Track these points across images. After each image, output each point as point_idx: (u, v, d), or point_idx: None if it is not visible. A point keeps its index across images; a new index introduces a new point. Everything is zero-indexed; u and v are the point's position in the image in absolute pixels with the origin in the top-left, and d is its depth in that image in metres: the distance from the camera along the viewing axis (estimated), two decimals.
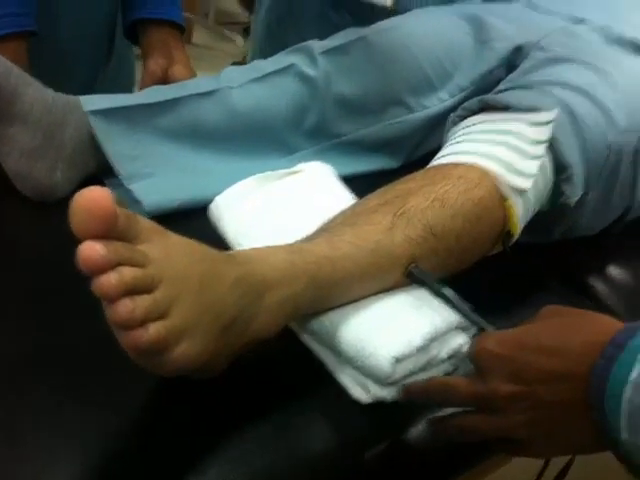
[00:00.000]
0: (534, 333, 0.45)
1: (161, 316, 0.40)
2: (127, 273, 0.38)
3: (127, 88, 1.06)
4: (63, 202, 0.66)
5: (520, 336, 0.45)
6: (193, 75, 0.89)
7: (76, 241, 0.38)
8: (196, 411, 0.50)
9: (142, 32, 0.90)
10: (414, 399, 0.51)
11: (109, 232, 0.38)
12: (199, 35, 3.24)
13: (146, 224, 0.42)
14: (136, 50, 0.99)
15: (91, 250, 0.37)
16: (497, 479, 0.64)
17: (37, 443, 0.45)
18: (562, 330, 0.44)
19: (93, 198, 0.37)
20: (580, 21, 0.94)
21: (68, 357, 0.52)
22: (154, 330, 0.39)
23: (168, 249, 0.43)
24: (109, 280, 0.38)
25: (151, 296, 0.40)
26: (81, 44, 0.94)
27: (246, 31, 3.57)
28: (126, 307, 0.38)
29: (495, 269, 0.68)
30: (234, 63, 2.98)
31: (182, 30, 0.92)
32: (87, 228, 0.37)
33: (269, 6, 1.16)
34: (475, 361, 0.47)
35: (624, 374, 0.38)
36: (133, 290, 0.39)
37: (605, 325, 0.42)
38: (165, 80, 0.88)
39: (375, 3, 1.03)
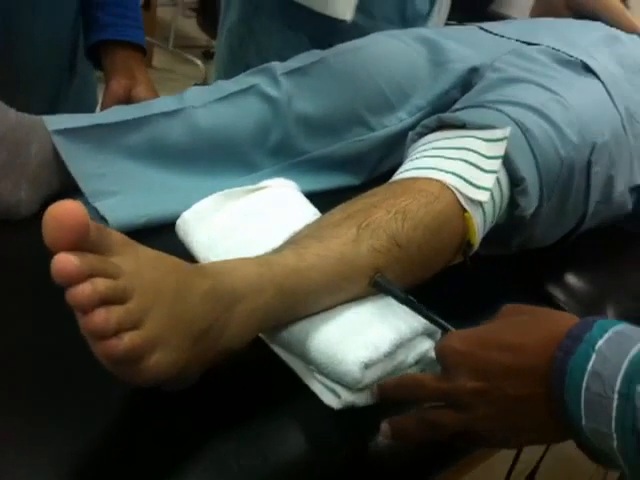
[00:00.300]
0: (495, 331, 0.47)
1: (134, 326, 0.41)
2: (101, 284, 0.39)
3: (90, 109, 1.06)
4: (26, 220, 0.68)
5: (482, 334, 0.47)
6: (156, 96, 0.90)
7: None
8: (171, 421, 0.50)
9: (105, 53, 0.91)
10: (386, 396, 0.53)
11: (82, 244, 0.39)
12: (159, 58, 3.25)
13: (117, 237, 0.43)
14: (98, 73, 0.99)
15: (65, 261, 0.38)
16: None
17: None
18: (521, 327, 0.46)
19: (66, 210, 0.38)
20: (530, 44, 0.99)
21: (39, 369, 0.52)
22: (128, 339, 0.40)
23: (139, 261, 0.43)
24: (83, 290, 0.38)
25: (124, 306, 0.40)
26: (41, 66, 0.94)
27: (205, 54, 3.60)
28: (100, 317, 0.39)
29: (458, 280, 0.70)
30: (195, 85, 3.00)
31: (144, 52, 0.93)
32: (60, 240, 0.38)
33: (230, 27, 1.18)
34: (440, 359, 0.49)
35: (582, 364, 0.40)
36: (107, 300, 0.39)
37: (561, 321, 0.44)
38: (128, 101, 0.89)
39: (335, 17, 1.06)
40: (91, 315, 0.39)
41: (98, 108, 1.01)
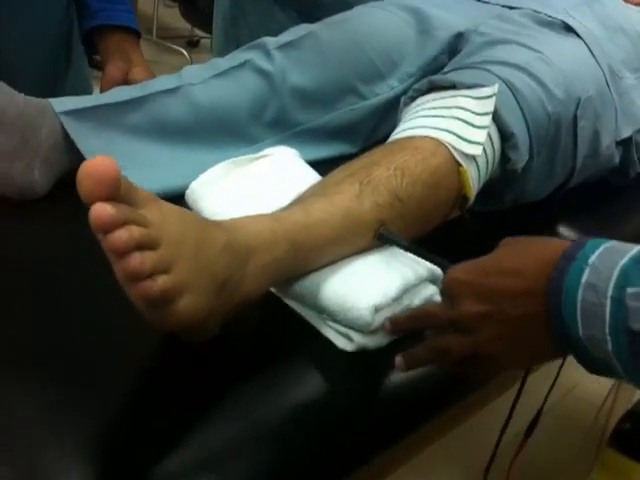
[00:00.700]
0: (494, 259, 0.51)
1: (165, 271, 0.44)
2: (135, 230, 0.42)
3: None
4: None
5: (483, 263, 0.51)
6: (152, 76, 0.93)
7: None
8: (197, 369, 0.53)
9: (99, 39, 0.93)
10: (398, 329, 0.56)
11: (115, 196, 0.42)
12: (144, 50, 3.19)
13: (142, 192, 0.46)
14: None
15: (102, 210, 0.41)
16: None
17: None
18: (519, 253, 0.50)
19: (100, 165, 0.41)
20: (513, 8, 1.02)
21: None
22: (162, 281, 0.44)
23: (164, 214, 0.47)
24: (120, 236, 0.42)
25: (156, 252, 0.44)
26: (34, 58, 0.96)
27: (189, 43, 3.61)
28: (136, 260, 0.42)
29: (457, 234, 0.74)
30: None
31: (138, 35, 0.96)
32: (95, 192, 0.41)
33: (223, 11, 1.21)
34: (447, 290, 0.52)
35: (577, 279, 0.43)
36: (141, 245, 0.43)
37: (556, 245, 0.48)
38: (125, 83, 0.91)
39: None
40: (128, 259, 0.42)
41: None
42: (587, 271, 0.43)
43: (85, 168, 0.41)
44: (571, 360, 0.49)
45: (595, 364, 0.45)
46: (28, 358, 0.53)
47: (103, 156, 0.42)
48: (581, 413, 1.59)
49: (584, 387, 1.73)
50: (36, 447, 0.45)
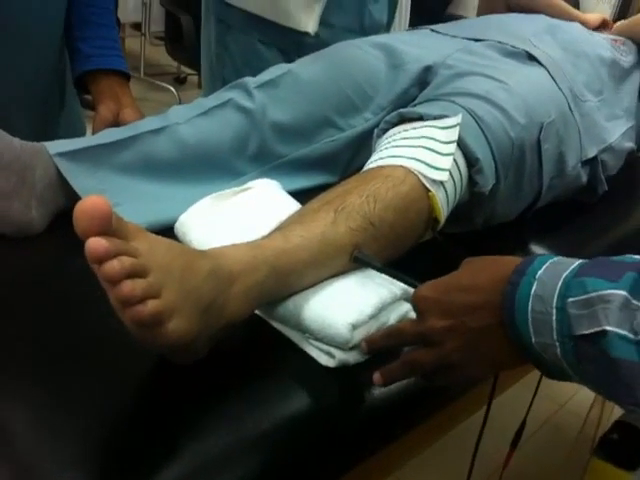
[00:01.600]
0: (456, 277, 0.56)
1: (154, 296, 0.49)
2: (126, 260, 0.47)
3: (79, 135, 1.14)
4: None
5: (446, 281, 0.56)
6: (142, 116, 0.98)
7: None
8: (188, 387, 0.58)
9: (92, 81, 0.99)
10: (374, 347, 0.61)
11: (107, 230, 0.47)
12: (132, 88, 3.29)
13: (132, 226, 0.51)
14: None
15: (96, 243, 0.46)
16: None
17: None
18: (477, 270, 0.55)
19: (93, 203, 0.46)
20: (478, 40, 1.08)
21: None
22: (151, 305, 0.48)
23: (152, 245, 0.51)
24: (113, 266, 0.46)
25: (145, 280, 0.49)
26: (29, 97, 1.01)
27: (177, 80, 3.69)
28: (127, 287, 0.47)
29: (430, 256, 0.79)
30: None
31: (128, 77, 1.01)
32: (90, 227, 0.46)
33: (208, 47, 1.28)
34: (415, 306, 0.57)
35: (527, 292, 0.49)
36: (132, 274, 0.48)
37: (509, 261, 0.53)
38: (116, 123, 0.96)
39: (298, 30, 1.15)
40: (120, 286, 0.47)
41: (87, 134, 1.09)
42: (535, 284, 0.48)
43: (80, 206, 0.46)
44: None
45: (549, 369, 0.50)
46: (29, 364, 0.57)
47: (96, 195, 0.47)
48: (569, 425, 1.63)
49: (576, 402, 1.77)
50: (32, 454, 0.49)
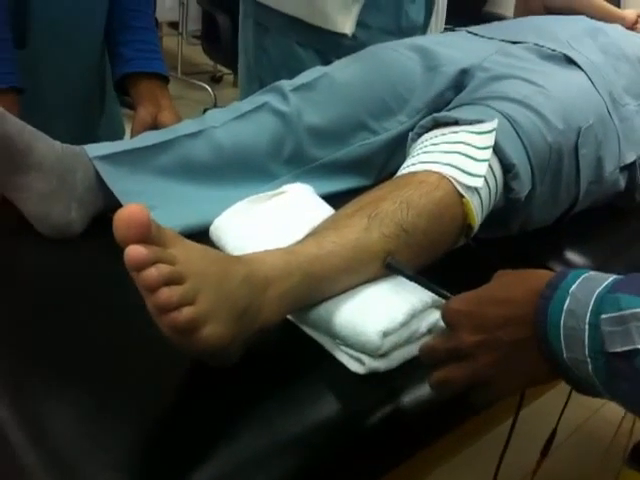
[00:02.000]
0: (488, 290, 0.55)
1: (190, 303, 0.50)
2: (163, 268, 0.48)
3: (118, 139, 1.16)
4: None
5: (478, 294, 0.55)
6: (179, 120, 1.00)
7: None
8: (222, 390, 0.59)
9: (132, 84, 1.01)
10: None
11: (146, 238, 0.48)
12: (169, 87, 3.36)
13: (170, 233, 0.52)
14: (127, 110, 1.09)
15: (135, 251, 0.47)
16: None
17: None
18: (510, 284, 0.54)
19: (133, 212, 0.47)
20: (515, 43, 1.07)
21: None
22: (187, 312, 0.49)
23: (189, 252, 0.52)
24: (151, 273, 0.47)
25: (182, 286, 0.50)
26: (69, 98, 1.04)
27: (213, 79, 3.72)
28: (164, 294, 0.48)
29: (465, 262, 0.78)
30: (206, 110, 3.12)
31: (167, 80, 1.03)
32: (129, 235, 0.47)
33: (245, 48, 1.29)
34: (445, 320, 0.57)
35: (559, 307, 0.48)
36: (169, 281, 0.49)
37: (542, 275, 0.52)
38: (155, 126, 0.98)
39: (336, 31, 1.16)
40: (157, 293, 0.48)
41: (126, 136, 1.11)
42: (568, 299, 0.48)
43: (120, 215, 0.48)
44: None
45: (581, 384, 0.50)
46: (65, 372, 0.58)
47: (136, 204, 0.48)
48: (601, 433, 1.60)
49: (608, 408, 1.74)
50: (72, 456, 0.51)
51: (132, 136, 0.95)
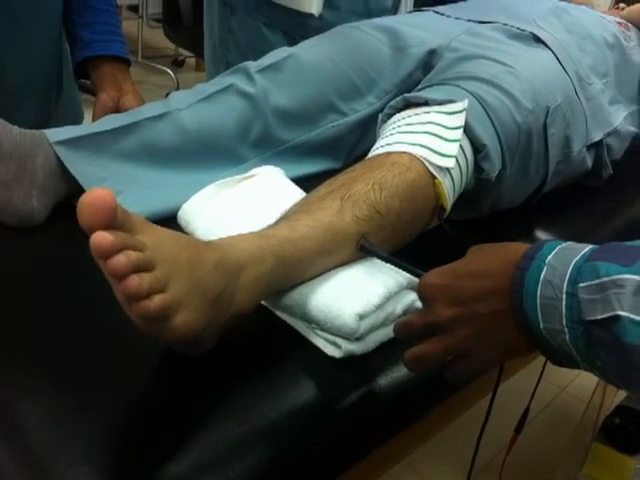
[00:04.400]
0: (464, 263, 0.55)
1: (161, 290, 0.48)
2: (132, 254, 0.46)
3: (77, 122, 1.12)
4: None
5: (453, 267, 0.55)
6: (142, 103, 0.97)
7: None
8: (198, 377, 0.57)
9: (92, 68, 0.98)
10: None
11: (112, 224, 0.46)
12: (130, 71, 3.29)
13: (137, 218, 0.50)
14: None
15: (102, 238, 0.45)
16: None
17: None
18: (485, 256, 0.54)
19: (98, 196, 0.45)
20: (483, 22, 1.07)
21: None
22: (158, 300, 0.47)
23: (158, 238, 0.50)
24: (119, 261, 0.45)
25: (152, 274, 0.48)
26: (30, 84, 1.00)
27: (174, 63, 3.65)
28: (134, 282, 0.46)
29: (437, 243, 0.78)
30: (168, 94, 3.06)
31: (128, 63, 1.00)
32: (95, 221, 0.45)
33: (211, 29, 1.26)
34: (421, 295, 0.56)
35: (536, 277, 0.48)
36: (138, 268, 0.47)
37: (517, 247, 0.52)
38: (117, 110, 0.95)
39: (303, 12, 1.14)
40: (126, 281, 0.46)
41: (86, 122, 1.08)
42: (545, 269, 0.47)
43: (85, 199, 0.45)
44: None
45: (557, 355, 0.50)
46: (33, 364, 0.56)
47: (101, 188, 0.45)
48: (574, 411, 1.64)
49: (577, 385, 1.78)
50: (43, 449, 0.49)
51: (94, 121, 0.92)
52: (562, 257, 0.48)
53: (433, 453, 1.47)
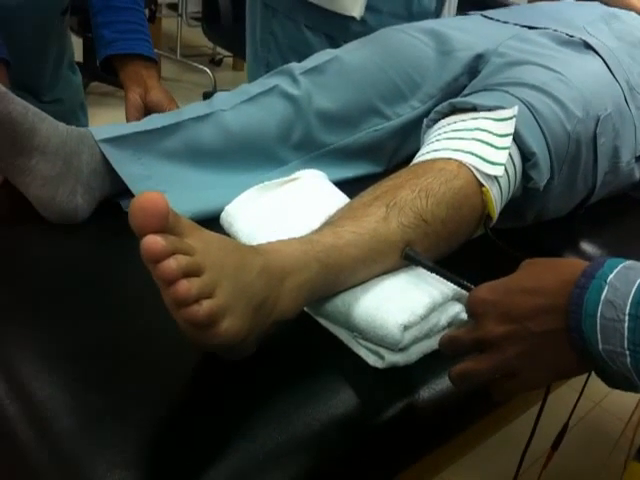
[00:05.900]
0: (517, 279, 0.53)
1: (209, 295, 0.48)
2: (182, 259, 0.46)
3: (75, 107, 1.17)
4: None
5: (505, 283, 0.53)
6: (169, 97, 0.96)
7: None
8: (239, 383, 0.57)
9: (119, 67, 0.98)
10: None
11: (163, 228, 0.45)
12: (168, 69, 3.33)
13: (186, 222, 0.49)
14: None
15: (153, 242, 0.44)
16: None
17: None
18: (539, 273, 0.52)
19: (150, 200, 0.45)
20: (532, 28, 1.04)
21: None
22: (206, 305, 0.47)
23: (206, 242, 0.50)
24: (169, 265, 0.45)
25: (201, 279, 0.47)
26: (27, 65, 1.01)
27: (212, 61, 3.67)
28: (183, 287, 0.46)
29: (481, 252, 0.76)
30: (205, 93, 3.08)
31: (154, 61, 1.00)
32: (146, 225, 0.45)
33: (253, 31, 1.25)
34: (471, 310, 0.54)
35: (596, 296, 0.46)
36: (187, 273, 0.46)
37: (575, 264, 0.50)
38: (146, 106, 0.95)
39: (344, 14, 1.12)
40: (175, 285, 0.45)
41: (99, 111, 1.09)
42: (606, 289, 0.46)
43: (137, 202, 0.45)
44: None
45: (614, 378, 0.48)
46: (73, 368, 0.56)
47: (153, 191, 0.45)
48: (608, 426, 1.60)
49: (611, 400, 1.73)
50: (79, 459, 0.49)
51: (128, 121, 0.92)
52: (625, 277, 0.46)
53: (465, 464, 1.45)
